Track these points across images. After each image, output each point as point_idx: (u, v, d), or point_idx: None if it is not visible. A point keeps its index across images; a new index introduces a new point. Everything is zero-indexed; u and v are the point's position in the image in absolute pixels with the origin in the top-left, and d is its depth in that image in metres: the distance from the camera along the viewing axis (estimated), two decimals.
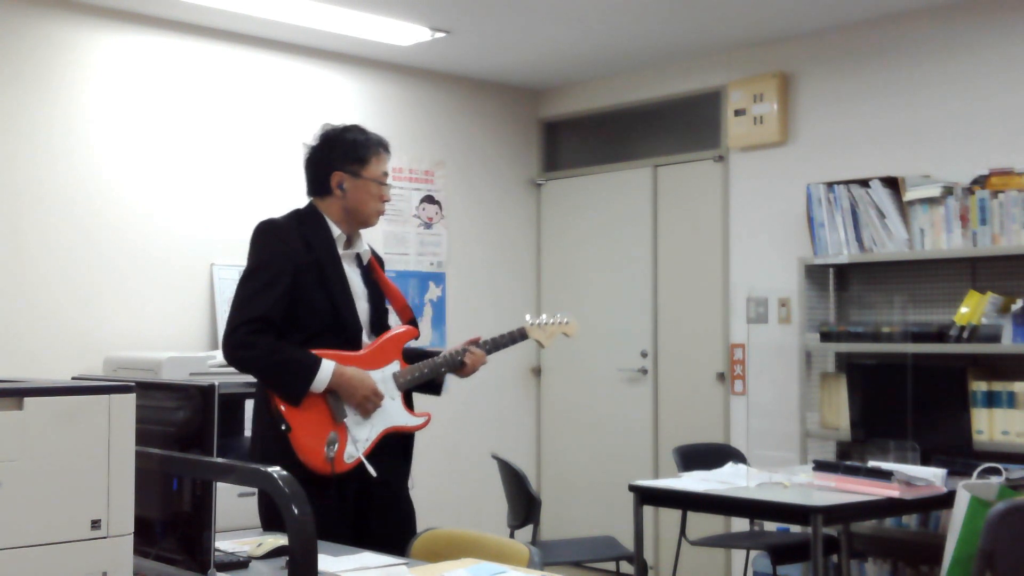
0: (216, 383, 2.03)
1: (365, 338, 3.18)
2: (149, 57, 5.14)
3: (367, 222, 3.23)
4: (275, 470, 1.74)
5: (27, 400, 1.60)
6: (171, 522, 2.07)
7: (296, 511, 1.68)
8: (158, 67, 5.17)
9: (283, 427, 3.00)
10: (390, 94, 6.06)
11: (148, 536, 2.03)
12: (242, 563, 2.37)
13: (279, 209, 5.62)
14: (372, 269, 3.28)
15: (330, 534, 2.81)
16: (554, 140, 6.78)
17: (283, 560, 2.39)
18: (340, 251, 3.17)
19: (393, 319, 3.34)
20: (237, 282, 3.11)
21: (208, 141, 5.32)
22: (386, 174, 3.24)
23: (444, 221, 6.24)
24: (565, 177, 6.65)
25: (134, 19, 5.09)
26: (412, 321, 3.30)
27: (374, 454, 3.10)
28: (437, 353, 3.30)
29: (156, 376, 4.33)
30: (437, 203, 6.20)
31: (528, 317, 3.48)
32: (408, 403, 3.22)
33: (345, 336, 3.11)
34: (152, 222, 5.11)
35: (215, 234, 5.30)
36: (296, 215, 3.20)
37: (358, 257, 3.25)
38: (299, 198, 5.60)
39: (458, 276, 6.30)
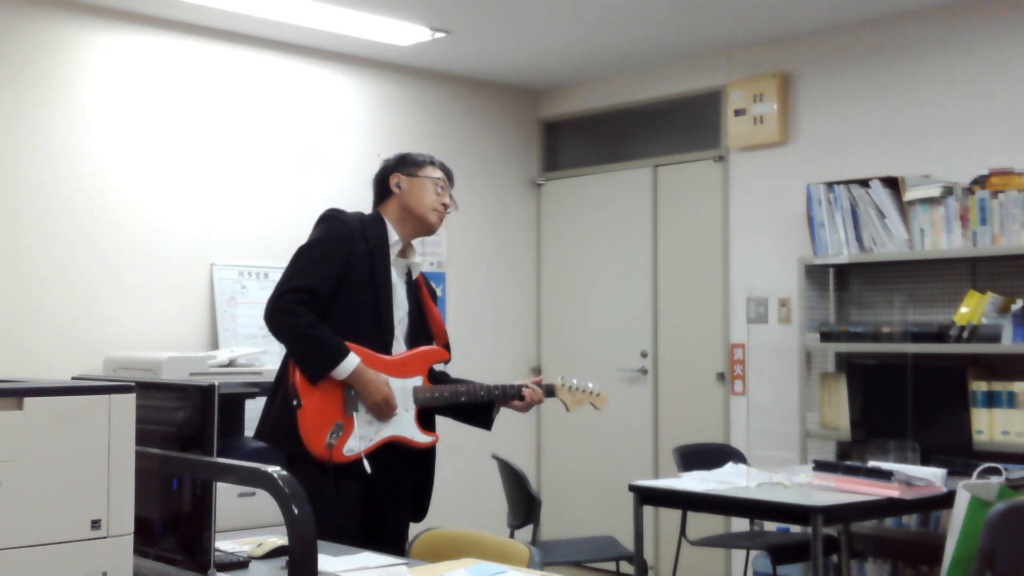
0: (216, 383, 2.03)
1: (400, 345, 3.23)
2: (149, 57, 5.14)
3: (425, 217, 3.30)
4: (275, 470, 1.74)
5: (27, 400, 1.60)
6: (171, 522, 2.07)
7: (296, 511, 1.68)
8: (158, 67, 5.17)
9: (294, 402, 3.06)
10: (390, 94, 6.06)
11: (148, 536, 2.03)
12: (242, 563, 2.37)
13: (279, 209, 5.64)
14: (419, 288, 3.34)
15: (328, 526, 2.82)
16: (554, 140, 6.78)
17: (283, 560, 2.39)
18: (393, 256, 3.24)
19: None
20: (293, 253, 3.19)
21: (208, 141, 5.32)
22: (443, 187, 3.33)
23: (444, 221, 6.23)
24: (565, 177, 6.65)
25: (134, 19, 5.09)
26: (447, 346, 3.35)
27: (387, 467, 3.12)
28: (469, 384, 3.32)
29: (156, 376, 4.33)
30: None
31: (560, 377, 3.51)
32: (422, 420, 3.24)
33: (379, 332, 3.16)
34: (152, 222, 5.11)
35: (215, 234, 5.30)
36: (360, 214, 3.30)
37: (408, 272, 3.31)
38: (300, 197, 5.62)
39: (458, 276, 6.30)
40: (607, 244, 6.38)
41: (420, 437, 3.22)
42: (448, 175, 3.39)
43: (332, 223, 3.21)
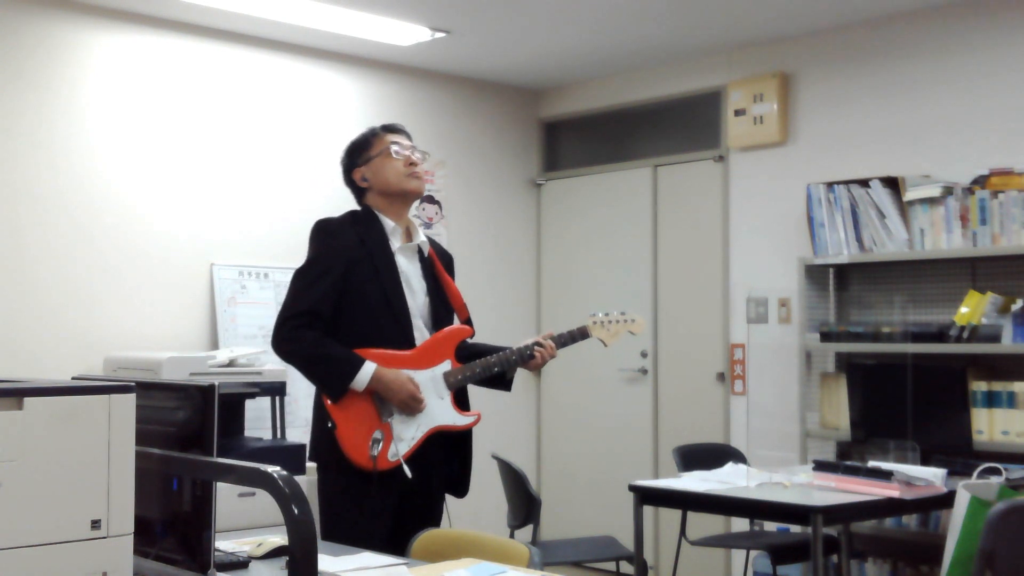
0: (216, 383, 2.03)
1: (424, 331, 3.20)
2: (149, 57, 5.14)
3: (403, 190, 3.22)
4: (275, 470, 1.74)
5: (27, 400, 1.60)
6: (171, 522, 2.07)
7: (296, 511, 1.68)
8: (158, 67, 5.17)
9: (329, 424, 3.06)
10: (390, 94, 6.06)
11: (148, 536, 2.03)
12: (242, 563, 2.37)
13: (279, 209, 5.64)
14: (433, 264, 3.29)
15: (370, 533, 2.84)
16: (554, 140, 6.78)
17: (283, 560, 2.39)
18: (398, 244, 3.20)
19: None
20: (291, 276, 3.18)
21: (208, 141, 5.32)
22: (396, 142, 3.25)
23: (444, 221, 6.24)
24: (565, 177, 6.65)
25: (134, 19, 5.09)
26: (468, 321, 3.32)
27: (424, 458, 3.11)
28: (499, 349, 3.30)
29: (156, 376, 4.33)
30: (437, 203, 6.20)
31: (593, 314, 3.45)
32: (459, 402, 3.22)
33: (396, 329, 3.13)
34: (152, 222, 5.11)
35: (215, 234, 5.30)
36: (352, 214, 3.26)
37: (419, 251, 3.26)
38: (300, 197, 5.62)
39: (458, 276, 6.20)
40: (607, 244, 6.38)
41: (461, 420, 3.20)
42: (398, 131, 3.30)
43: (321, 239, 3.17)
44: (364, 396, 3.07)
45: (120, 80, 5.04)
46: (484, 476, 5.74)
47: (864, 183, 4.89)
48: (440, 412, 3.16)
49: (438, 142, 6.23)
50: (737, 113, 5.64)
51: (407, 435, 3.09)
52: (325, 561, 2.27)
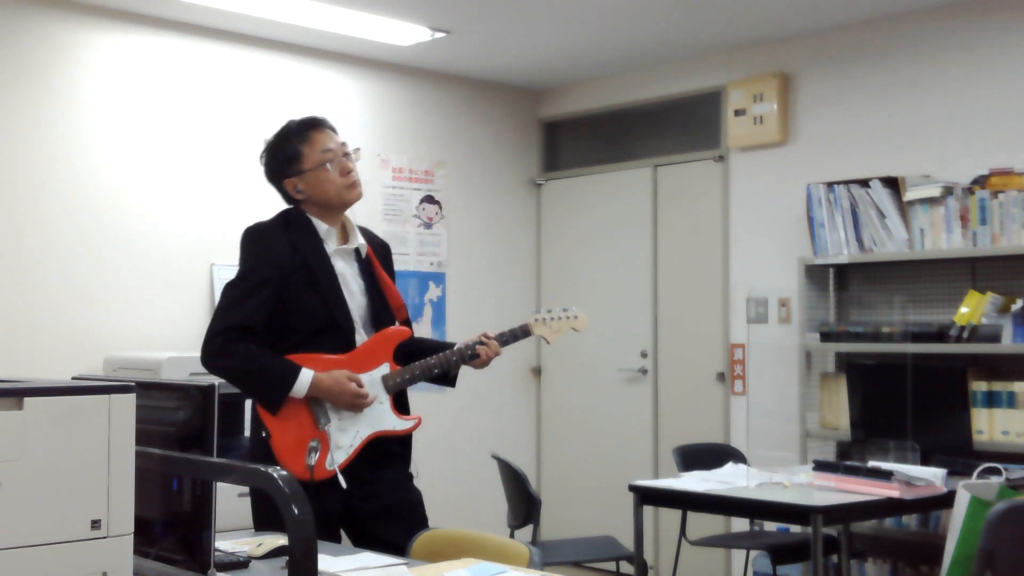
0: (216, 383, 2.03)
1: (363, 335, 3.11)
2: (149, 57, 5.14)
3: (343, 202, 3.12)
4: (275, 470, 1.74)
5: (27, 400, 1.60)
6: (171, 522, 2.07)
7: (296, 511, 1.68)
8: (158, 67, 5.17)
9: (263, 434, 2.96)
10: (390, 94, 6.06)
11: (148, 536, 2.03)
12: (242, 563, 2.37)
13: (279, 209, 5.63)
14: (371, 264, 3.18)
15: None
16: (554, 140, 6.78)
17: (283, 560, 2.39)
18: (334, 247, 3.09)
19: None
20: (222, 289, 3.05)
21: (208, 141, 5.32)
22: (329, 149, 3.14)
23: (444, 221, 6.24)
24: (565, 177, 6.65)
25: (134, 19, 5.09)
26: (406, 321, 3.21)
27: (366, 462, 3.03)
28: (441, 347, 3.22)
29: (156, 376, 4.33)
30: (437, 203, 6.20)
31: (535, 312, 3.37)
32: (399, 405, 3.13)
33: (339, 336, 3.04)
34: (152, 222, 5.11)
35: (215, 234, 5.30)
36: (284, 217, 3.13)
37: (357, 252, 3.16)
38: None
39: (458, 276, 6.30)
40: (607, 244, 6.38)
41: (401, 425, 3.09)
42: (321, 126, 3.19)
43: (252, 248, 3.04)
44: (300, 403, 2.96)
45: (120, 80, 5.04)
46: (484, 476, 5.76)
47: (864, 183, 4.89)
48: (379, 417, 3.05)
49: (438, 142, 6.24)
50: (737, 113, 5.64)
51: (345, 443, 2.99)
52: (325, 561, 2.27)
